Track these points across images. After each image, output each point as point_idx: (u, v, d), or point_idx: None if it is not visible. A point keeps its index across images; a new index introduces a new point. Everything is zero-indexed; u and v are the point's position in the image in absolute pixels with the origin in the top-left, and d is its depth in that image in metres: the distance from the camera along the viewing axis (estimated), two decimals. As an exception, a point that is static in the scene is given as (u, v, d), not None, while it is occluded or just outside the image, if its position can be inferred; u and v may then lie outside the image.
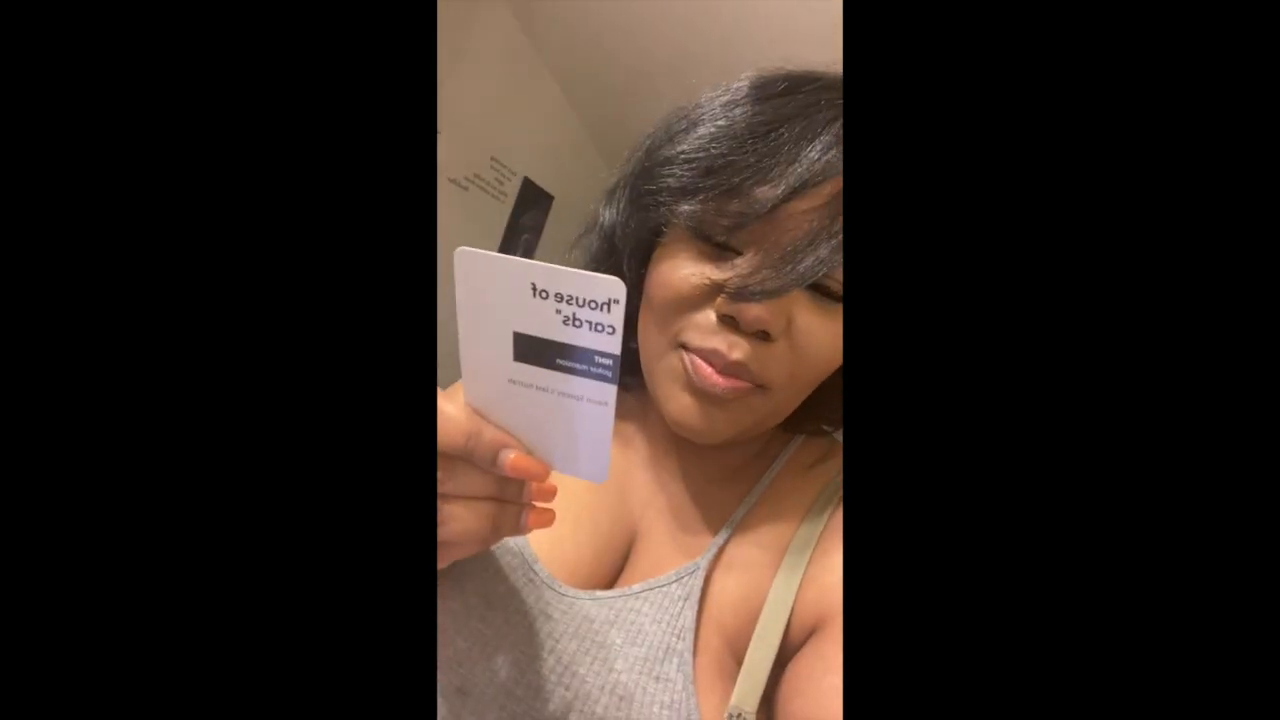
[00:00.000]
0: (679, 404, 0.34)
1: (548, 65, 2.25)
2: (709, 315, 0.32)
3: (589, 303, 0.20)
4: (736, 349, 0.32)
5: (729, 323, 0.32)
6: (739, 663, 0.33)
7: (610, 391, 0.21)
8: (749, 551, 0.36)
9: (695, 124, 0.34)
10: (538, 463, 0.25)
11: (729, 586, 0.35)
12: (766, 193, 0.30)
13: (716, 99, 0.35)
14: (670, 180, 0.33)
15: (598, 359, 0.21)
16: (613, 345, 0.20)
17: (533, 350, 0.21)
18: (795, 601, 0.34)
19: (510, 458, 0.24)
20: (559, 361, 0.21)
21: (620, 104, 2.20)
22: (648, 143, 0.38)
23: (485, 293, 0.20)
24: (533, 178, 2.40)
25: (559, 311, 0.20)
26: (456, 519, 0.24)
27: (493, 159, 2.22)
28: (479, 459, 0.24)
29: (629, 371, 0.41)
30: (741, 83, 0.35)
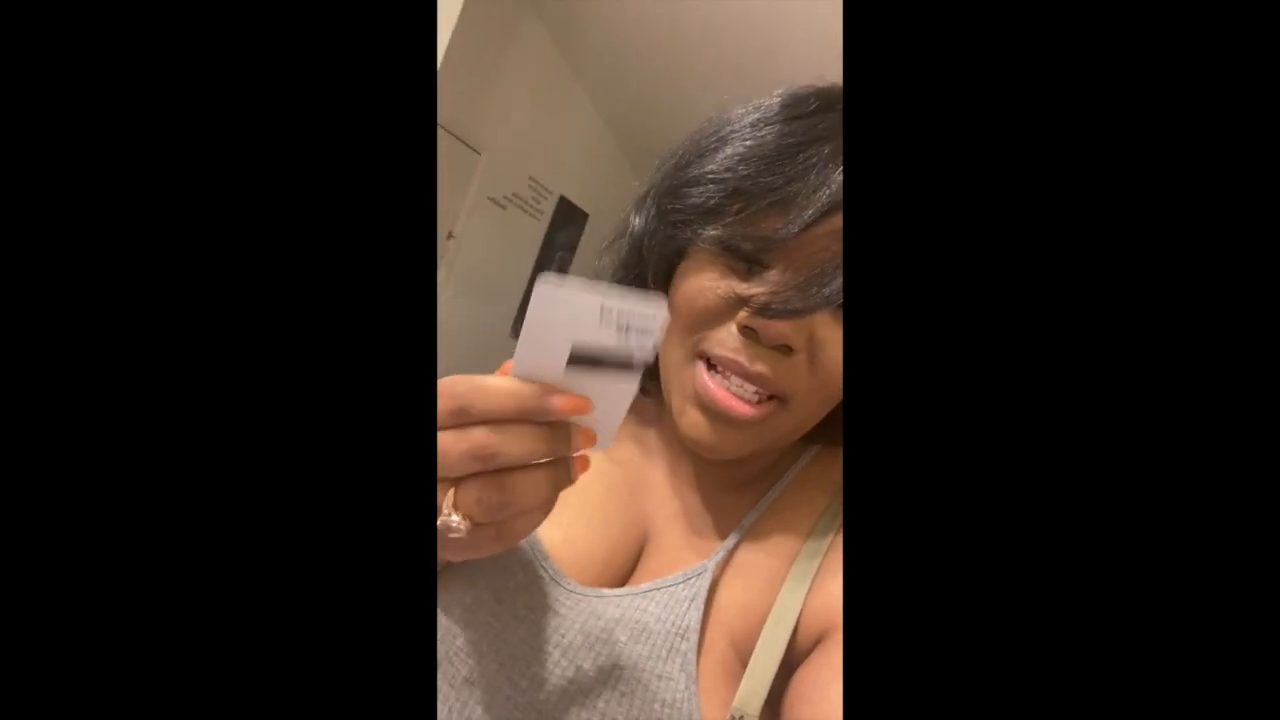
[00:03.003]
0: (690, 419, 0.35)
1: (586, 89, 2.31)
2: (731, 327, 0.33)
3: (642, 315, 0.24)
4: (758, 361, 0.32)
5: (750, 335, 0.32)
6: (745, 666, 0.33)
7: (639, 375, 0.25)
8: (759, 556, 0.37)
9: (724, 142, 0.34)
10: (580, 397, 0.25)
11: (737, 590, 0.36)
12: (793, 217, 0.30)
13: (746, 116, 0.35)
14: (696, 200, 0.34)
15: (637, 354, 0.25)
16: (651, 342, 0.25)
17: (585, 358, 0.24)
18: (803, 608, 0.34)
19: (558, 400, 0.24)
20: (604, 363, 0.24)
21: (656, 125, 2.23)
22: (675, 158, 0.38)
23: (555, 316, 0.23)
24: (569, 196, 2.45)
25: (617, 328, 0.24)
26: (523, 490, 0.24)
27: (531, 179, 2.28)
28: (530, 410, 0.23)
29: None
30: (773, 100, 0.35)
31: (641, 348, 0.25)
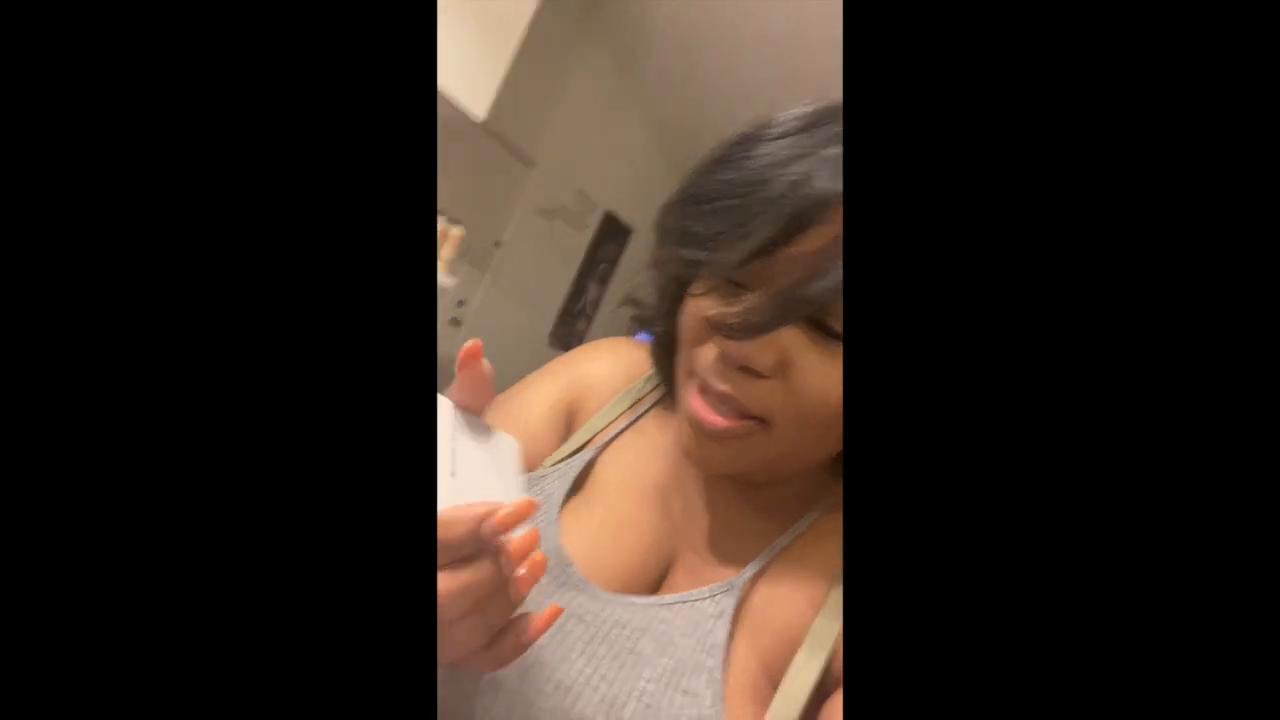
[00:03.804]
0: (683, 433, 0.36)
1: (640, 109, 2.35)
2: (712, 349, 0.34)
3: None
4: (725, 380, 0.33)
5: (723, 357, 0.33)
6: (775, 687, 0.33)
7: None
8: (792, 579, 0.36)
9: (716, 165, 0.36)
10: (522, 503, 0.25)
11: (770, 611, 0.35)
12: (763, 235, 0.31)
13: (739, 139, 0.36)
14: (685, 224, 0.35)
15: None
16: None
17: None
18: (839, 635, 0.33)
19: (501, 520, 0.23)
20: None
21: (705, 146, 2.26)
22: (683, 180, 0.39)
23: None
24: (615, 212, 2.49)
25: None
26: (502, 611, 0.24)
27: (579, 192, 2.33)
28: (484, 535, 0.23)
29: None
30: (763, 120, 0.36)
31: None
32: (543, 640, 0.34)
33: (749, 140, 0.35)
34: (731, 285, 0.34)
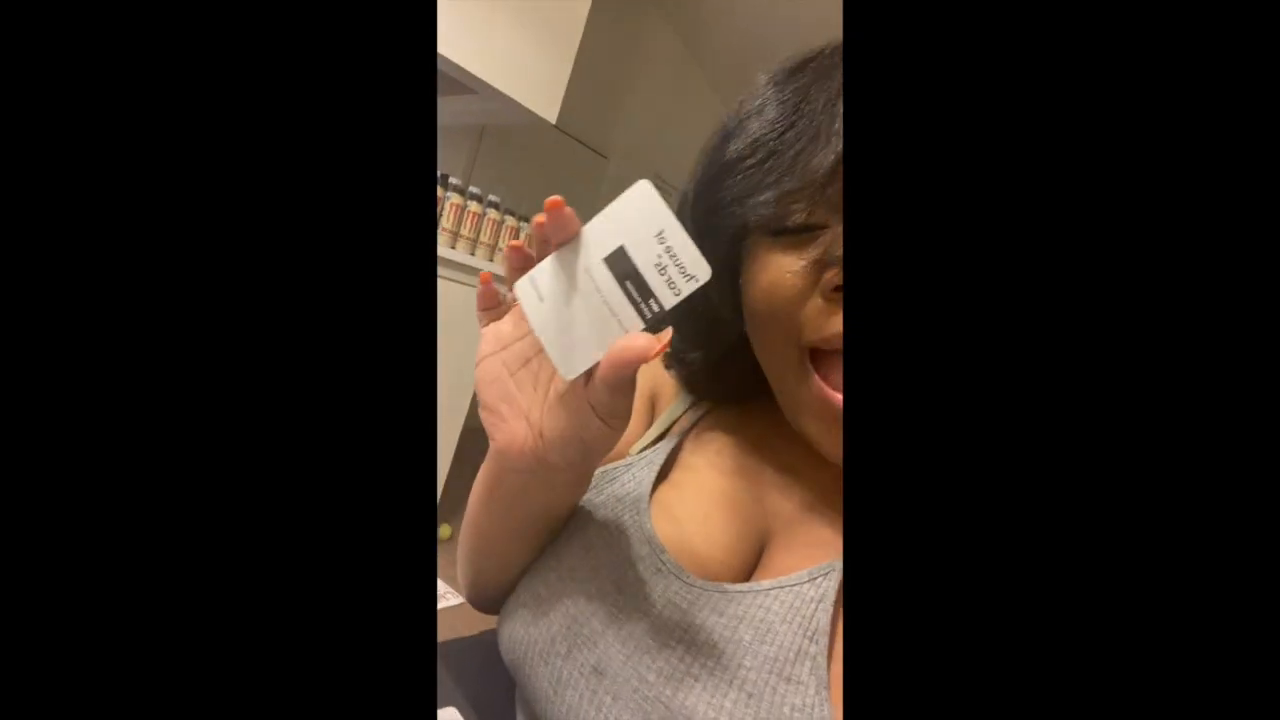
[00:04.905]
0: (814, 429, 0.34)
1: (712, 86, 2.30)
2: (817, 301, 0.31)
3: (682, 266, 0.25)
4: None
5: (839, 297, 0.31)
6: None
7: (639, 325, 0.26)
8: None
9: (734, 132, 0.36)
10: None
11: None
12: (822, 158, 0.31)
13: (746, 102, 0.36)
14: (734, 188, 0.34)
15: (652, 304, 0.26)
16: (673, 297, 0.26)
17: (619, 265, 0.26)
18: None
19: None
20: (629, 285, 0.26)
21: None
22: (702, 159, 0.39)
23: (627, 211, 0.25)
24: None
25: (659, 259, 0.25)
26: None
27: (656, 176, 2.32)
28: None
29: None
30: (761, 80, 0.37)
31: (661, 299, 0.25)
32: (642, 628, 0.34)
33: (752, 104, 0.36)
34: (803, 232, 0.32)
